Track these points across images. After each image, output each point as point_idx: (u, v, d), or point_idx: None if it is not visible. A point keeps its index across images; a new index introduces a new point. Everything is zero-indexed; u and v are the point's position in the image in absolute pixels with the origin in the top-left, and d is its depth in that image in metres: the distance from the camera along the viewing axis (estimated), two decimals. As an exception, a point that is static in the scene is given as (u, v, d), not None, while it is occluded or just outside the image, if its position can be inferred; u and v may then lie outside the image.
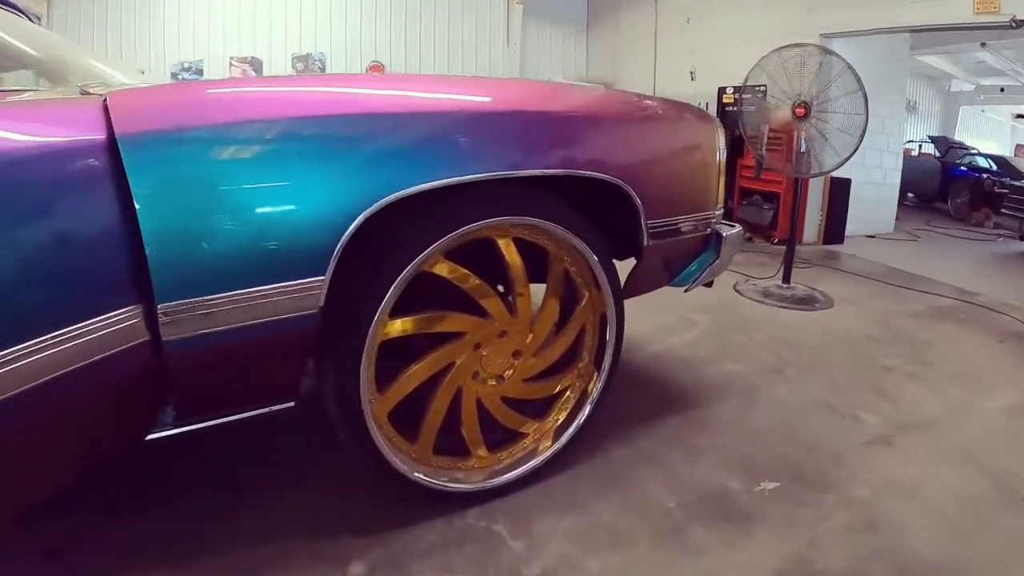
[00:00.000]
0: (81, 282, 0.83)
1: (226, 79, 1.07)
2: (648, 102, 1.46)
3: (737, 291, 3.36)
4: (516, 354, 1.36)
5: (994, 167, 8.10)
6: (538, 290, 1.40)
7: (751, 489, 1.48)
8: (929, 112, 12.17)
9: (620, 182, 1.28)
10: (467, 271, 1.23)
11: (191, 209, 0.88)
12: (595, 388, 1.49)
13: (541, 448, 1.44)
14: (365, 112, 1.02)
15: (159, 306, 0.88)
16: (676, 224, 1.45)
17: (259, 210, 0.92)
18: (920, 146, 9.87)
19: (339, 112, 1.00)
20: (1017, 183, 6.05)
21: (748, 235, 4.72)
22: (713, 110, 5.45)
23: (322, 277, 0.97)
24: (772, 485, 1.50)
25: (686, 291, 1.66)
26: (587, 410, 1.48)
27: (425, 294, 1.24)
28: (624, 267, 1.50)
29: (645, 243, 1.38)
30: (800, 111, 3.11)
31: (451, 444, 1.34)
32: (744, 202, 5.20)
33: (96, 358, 0.86)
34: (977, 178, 7.70)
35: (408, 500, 1.32)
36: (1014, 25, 3.77)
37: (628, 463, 1.55)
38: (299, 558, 1.19)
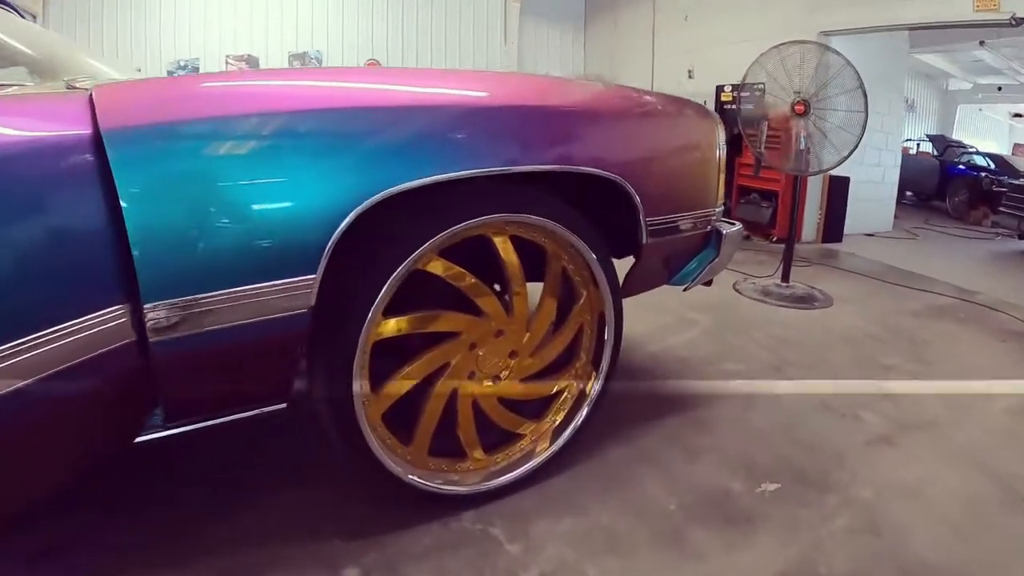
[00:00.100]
0: (64, 281, 0.81)
1: (214, 73, 1.05)
2: (647, 97, 1.43)
3: (736, 290, 3.35)
4: (513, 354, 1.34)
5: (992, 166, 8.11)
6: (535, 289, 1.37)
7: (752, 490, 1.46)
8: (927, 111, 12.18)
9: (619, 178, 1.26)
10: (462, 269, 1.21)
11: (178, 206, 0.86)
12: (593, 389, 1.47)
13: (538, 450, 1.42)
14: (357, 106, 1.00)
15: (145, 306, 0.85)
16: (676, 221, 1.42)
17: (248, 207, 0.90)
18: (918, 145, 9.88)
19: (330, 106, 0.97)
20: (1015, 182, 6.03)
21: (746, 234, 4.70)
22: (711, 108, 5.42)
23: (313, 275, 0.94)
24: (773, 486, 1.48)
25: (685, 290, 1.63)
26: (585, 411, 1.46)
27: (420, 293, 1.22)
28: (622, 266, 1.47)
29: (644, 241, 1.36)
30: (799, 108, 3.09)
31: (447, 446, 1.31)
32: (742, 200, 5.19)
33: (80, 359, 0.84)
34: (975, 177, 7.71)
35: (403, 502, 1.30)
36: (1014, 23, 3.76)
37: (627, 464, 1.53)
38: (292, 561, 1.17)
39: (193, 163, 0.86)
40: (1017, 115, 12.61)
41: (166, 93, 0.93)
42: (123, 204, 0.82)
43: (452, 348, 1.25)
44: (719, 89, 5.41)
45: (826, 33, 4.60)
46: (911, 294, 3.48)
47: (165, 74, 5.69)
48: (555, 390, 1.47)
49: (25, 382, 0.78)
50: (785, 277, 3.36)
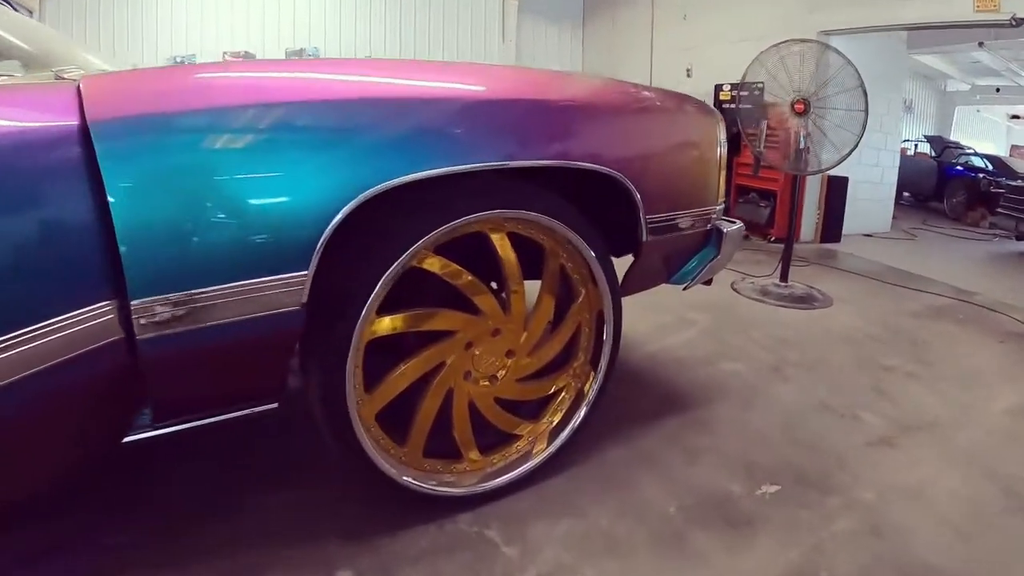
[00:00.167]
0: (49, 276, 0.79)
1: (206, 63, 1.02)
2: (647, 93, 1.41)
3: (735, 289, 3.33)
4: (510, 353, 1.32)
5: (990, 167, 8.11)
6: (532, 287, 1.35)
7: (752, 492, 1.44)
8: (925, 112, 12.19)
9: (619, 175, 1.23)
10: (459, 267, 1.18)
11: (167, 200, 0.83)
12: (591, 389, 1.44)
13: (535, 451, 1.40)
14: (351, 98, 0.97)
15: (133, 302, 0.83)
16: (676, 219, 1.40)
17: (239, 200, 0.88)
18: (916, 146, 9.89)
19: (324, 98, 0.95)
20: (1013, 183, 6.04)
21: (744, 233, 4.69)
22: (710, 107, 5.40)
23: (305, 271, 0.92)
24: (774, 488, 1.46)
25: (685, 289, 1.61)
26: (583, 411, 1.44)
27: (415, 290, 1.19)
28: (621, 264, 1.45)
29: (644, 239, 1.33)
30: (799, 107, 3.07)
31: (442, 446, 1.29)
32: (741, 200, 5.18)
33: (66, 357, 0.82)
34: (973, 178, 7.71)
35: (398, 504, 1.27)
36: (1014, 23, 3.75)
37: (626, 465, 1.51)
38: (286, 562, 1.15)
39: (183, 156, 0.84)
40: (1015, 117, 12.63)
41: (156, 84, 0.90)
42: (110, 198, 0.80)
43: (448, 347, 1.22)
44: (718, 88, 5.40)
45: (826, 32, 4.59)
46: (910, 294, 3.47)
47: (161, 70, 5.63)
48: (553, 390, 1.44)
49: (7, 380, 0.76)
50: (784, 277, 3.34)
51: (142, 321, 0.84)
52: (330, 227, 0.91)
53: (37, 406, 0.82)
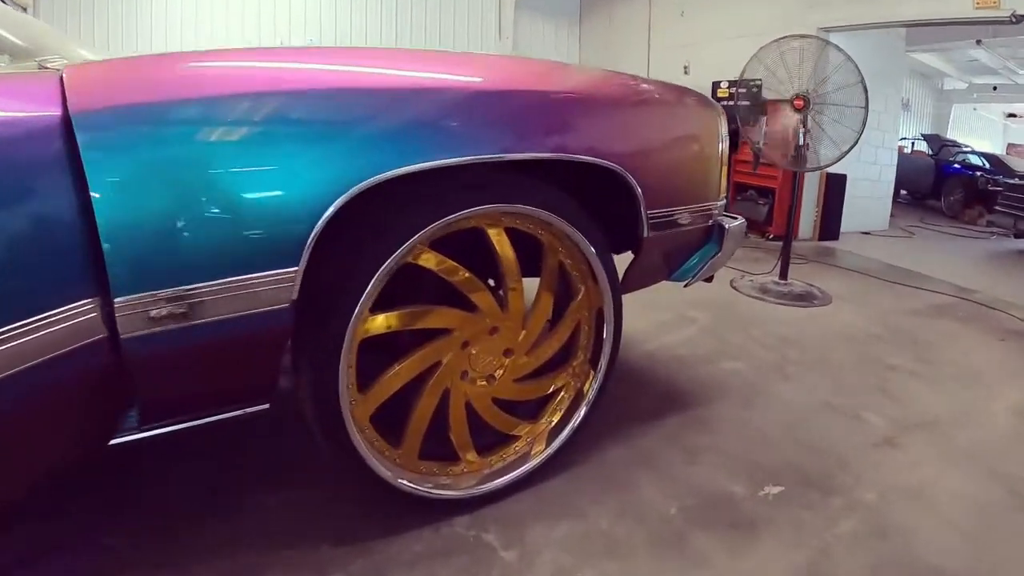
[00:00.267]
0: (28, 273, 0.76)
1: (193, 52, 0.99)
2: (647, 85, 1.38)
3: (734, 287, 3.31)
4: (507, 352, 1.29)
5: (987, 165, 8.12)
6: (531, 284, 1.32)
7: (755, 493, 1.41)
8: (922, 110, 12.20)
9: (619, 168, 1.20)
10: (455, 263, 1.15)
11: (151, 194, 0.80)
12: (591, 388, 1.41)
13: (534, 451, 1.37)
14: (343, 88, 0.94)
15: (116, 300, 0.80)
16: (677, 214, 1.37)
17: (226, 194, 0.84)
18: (913, 144, 9.89)
19: (315, 88, 0.91)
20: (1011, 181, 6.03)
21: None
22: (708, 105, 5.38)
23: (295, 268, 0.88)
24: (776, 489, 1.43)
25: (686, 286, 1.58)
26: (583, 411, 1.41)
27: (410, 288, 1.16)
28: (620, 262, 1.42)
29: (645, 234, 1.30)
30: (799, 103, 3.05)
31: (438, 448, 1.26)
32: (739, 197, 5.15)
33: (46, 357, 0.78)
34: (971, 176, 7.72)
35: (393, 507, 1.24)
36: (1014, 20, 3.73)
37: (626, 466, 1.48)
38: (278, 566, 1.12)
39: (167, 148, 0.81)
40: (1011, 115, 12.67)
41: (142, 72, 0.87)
42: (93, 193, 0.76)
43: (444, 346, 1.19)
44: (715, 85, 5.37)
45: (825, 29, 4.56)
46: (909, 292, 3.46)
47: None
48: (552, 390, 1.41)
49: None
50: (783, 274, 3.32)
51: (126, 319, 0.81)
52: (321, 222, 0.88)
53: (15, 408, 0.78)
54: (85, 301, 0.81)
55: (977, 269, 4.53)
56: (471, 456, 1.30)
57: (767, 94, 3.26)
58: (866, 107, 2.92)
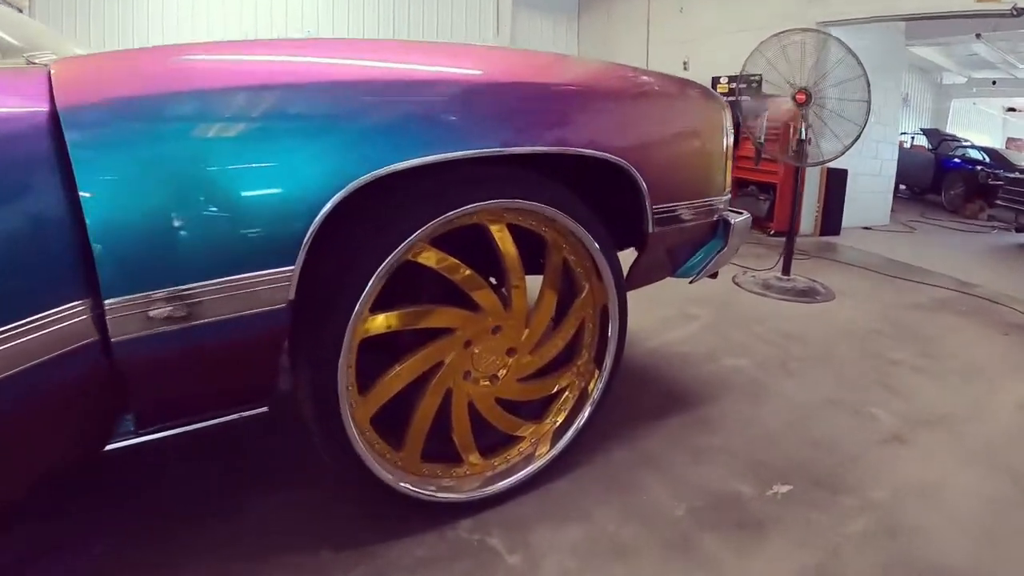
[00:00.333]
0: (15, 275, 0.73)
1: (183, 45, 0.96)
2: (650, 77, 1.35)
3: (736, 283, 3.28)
4: (511, 351, 1.26)
5: (987, 159, 8.10)
6: (534, 282, 1.29)
7: (763, 493, 1.39)
8: (921, 105, 12.17)
9: (624, 162, 1.17)
10: (457, 260, 1.12)
11: (142, 192, 0.77)
12: (596, 388, 1.38)
13: (538, 453, 1.34)
14: (340, 81, 0.91)
15: (106, 302, 0.77)
16: (683, 209, 1.34)
17: (218, 192, 0.81)
18: (912, 138, 9.87)
19: (311, 81, 0.88)
20: (1012, 175, 6.01)
21: (745, 227, 4.65)
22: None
23: (291, 267, 0.86)
24: (785, 488, 1.41)
25: (691, 282, 1.56)
26: (587, 411, 1.38)
27: (410, 286, 1.13)
28: (624, 258, 1.39)
29: (650, 229, 1.27)
30: (801, 97, 3.02)
31: (441, 450, 1.23)
32: (740, 193, 5.12)
33: (36, 362, 0.76)
34: (971, 170, 7.69)
35: (394, 510, 1.22)
36: (1015, 13, 3.71)
37: (631, 467, 1.46)
38: (277, 571, 1.09)
39: (158, 144, 0.78)
40: (1011, 109, 12.65)
41: (131, 66, 0.84)
42: (82, 192, 0.74)
43: (446, 345, 1.16)
44: (715, 80, 5.34)
45: (824, 24, 4.53)
46: (912, 287, 3.44)
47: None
48: (556, 389, 1.39)
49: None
50: (786, 270, 3.30)
51: (116, 322, 0.78)
52: (318, 219, 0.85)
53: (7, 413, 0.75)
54: (75, 304, 0.78)
55: (979, 263, 4.50)
56: (474, 458, 1.27)
57: (769, 88, 3.23)
58: (869, 100, 2.89)
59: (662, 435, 1.61)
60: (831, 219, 5.08)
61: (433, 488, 1.20)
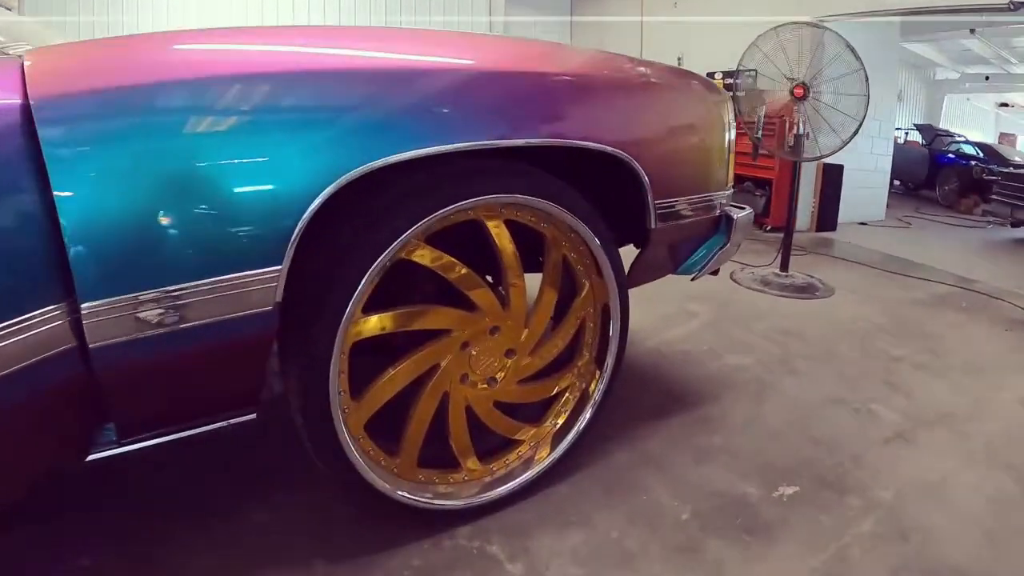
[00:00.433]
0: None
1: (166, 33, 0.92)
2: (651, 68, 1.31)
3: (734, 280, 3.25)
4: (509, 353, 1.22)
5: (981, 155, 8.11)
6: (533, 280, 1.25)
7: (769, 494, 1.35)
8: (914, 100, 12.20)
9: (626, 156, 1.13)
10: (452, 259, 1.08)
11: (120, 190, 0.73)
12: (597, 389, 1.34)
13: (538, 457, 1.30)
14: (328, 70, 0.86)
15: (83, 306, 0.73)
16: (685, 204, 1.30)
17: (202, 188, 0.77)
18: (906, 134, 9.88)
19: (297, 70, 0.84)
20: (1007, 170, 6.02)
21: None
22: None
23: (278, 267, 0.81)
24: (791, 489, 1.37)
25: (693, 279, 1.52)
26: (588, 413, 1.34)
27: (404, 286, 1.09)
28: (625, 256, 1.35)
29: (653, 225, 1.23)
30: (798, 92, 2.99)
31: (437, 455, 1.19)
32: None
33: (8, 371, 0.71)
34: (965, 165, 7.70)
35: (390, 519, 1.17)
36: (1012, 7, 3.69)
37: (634, 469, 1.42)
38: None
39: (138, 140, 0.74)
40: (1004, 104, 12.69)
41: (108, 56, 0.80)
42: (54, 187, 0.69)
43: (442, 347, 1.12)
44: (710, 75, 5.31)
45: (819, 19, 4.50)
46: (911, 283, 3.42)
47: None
48: (556, 391, 1.35)
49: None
50: (784, 266, 3.27)
51: (94, 327, 0.74)
52: (305, 216, 0.81)
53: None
54: (49, 308, 0.73)
55: (976, 258, 4.50)
56: (472, 463, 1.23)
57: (766, 83, 3.20)
58: (867, 95, 2.87)
59: (663, 435, 1.58)
60: (827, 215, 5.06)
61: (430, 495, 1.16)
